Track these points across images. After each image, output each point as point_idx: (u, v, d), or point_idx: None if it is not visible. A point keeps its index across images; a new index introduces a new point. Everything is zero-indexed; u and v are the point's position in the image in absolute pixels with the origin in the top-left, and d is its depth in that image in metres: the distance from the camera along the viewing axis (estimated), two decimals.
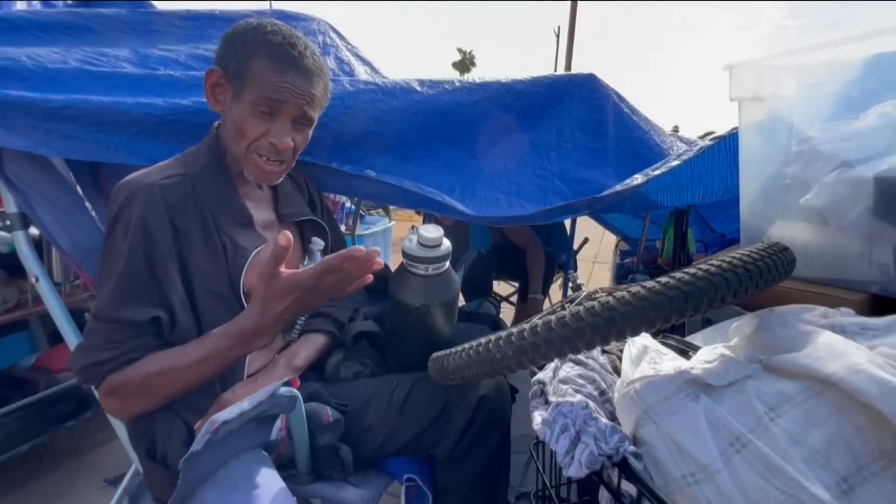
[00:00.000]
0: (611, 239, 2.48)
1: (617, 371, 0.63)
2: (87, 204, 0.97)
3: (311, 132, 0.84)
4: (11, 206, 0.88)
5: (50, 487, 1.42)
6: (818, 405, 0.41)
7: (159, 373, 0.68)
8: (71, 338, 0.92)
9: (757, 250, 0.55)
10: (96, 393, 0.73)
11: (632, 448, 0.45)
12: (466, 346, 0.63)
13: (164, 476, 0.69)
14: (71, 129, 0.85)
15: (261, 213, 0.86)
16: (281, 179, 0.86)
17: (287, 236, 0.64)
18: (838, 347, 0.44)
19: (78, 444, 1.60)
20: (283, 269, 0.67)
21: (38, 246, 1.21)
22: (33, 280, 0.91)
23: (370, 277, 0.72)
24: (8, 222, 0.90)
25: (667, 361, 0.55)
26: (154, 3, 1.34)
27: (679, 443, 0.44)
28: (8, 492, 1.39)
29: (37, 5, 1.39)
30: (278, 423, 0.70)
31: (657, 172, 1.05)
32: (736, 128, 1.05)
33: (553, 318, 0.52)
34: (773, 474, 0.40)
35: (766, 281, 0.52)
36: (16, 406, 1.27)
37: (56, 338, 1.36)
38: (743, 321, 0.59)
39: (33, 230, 0.92)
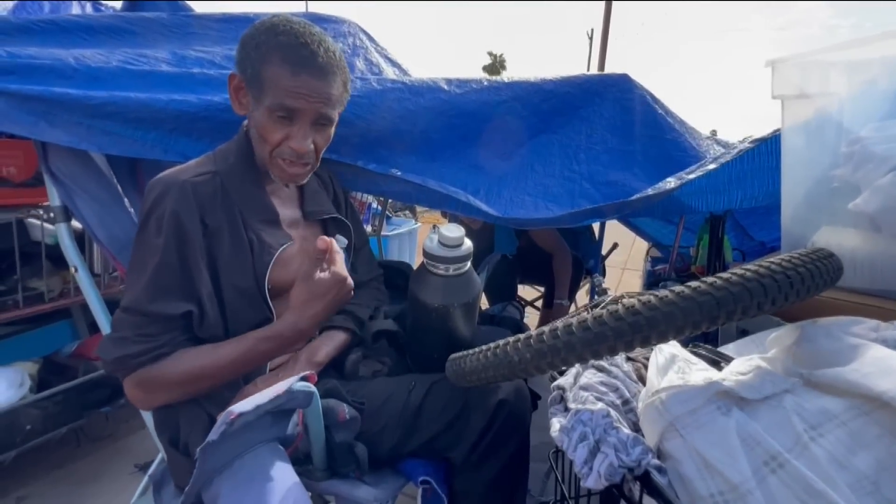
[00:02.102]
0: (642, 245, 2.40)
1: (642, 380, 0.60)
2: (125, 199, 1.01)
3: (332, 130, 0.84)
4: (55, 199, 0.92)
5: (86, 469, 1.49)
6: (866, 425, 0.37)
7: (194, 370, 0.70)
8: (105, 326, 0.95)
9: (799, 255, 0.51)
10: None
11: (655, 461, 0.42)
12: (484, 347, 0.61)
13: (185, 464, 0.71)
14: (110, 126, 0.89)
15: (287, 210, 0.88)
16: (307, 179, 0.87)
17: (325, 241, 0.69)
18: (890, 363, 0.40)
19: (113, 429, 1.67)
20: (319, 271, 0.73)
21: (82, 239, 1.27)
22: (73, 270, 0.96)
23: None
24: (52, 215, 0.95)
25: (696, 372, 0.51)
26: (192, 4, 1.39)
27: (707, 459, 0.41)
28: (47, 472, 1.47)
29: (87, 6, 1.47)
30: (295, 418, 0.71)
31: (692, 176, 1.01)
32: (778, 129, 0.99)
33: (574, 320, 0.50)
34: (814, 499, 0.36)
35: (809, 289, 0.48)
36: (56, 390, 1.34)
37: (96, 327, 1.42)
38: (782, 332, 0.55)
39: (76, 223, 0.97)
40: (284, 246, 0.81)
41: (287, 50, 0.74)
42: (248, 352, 0.73)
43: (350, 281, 0.79)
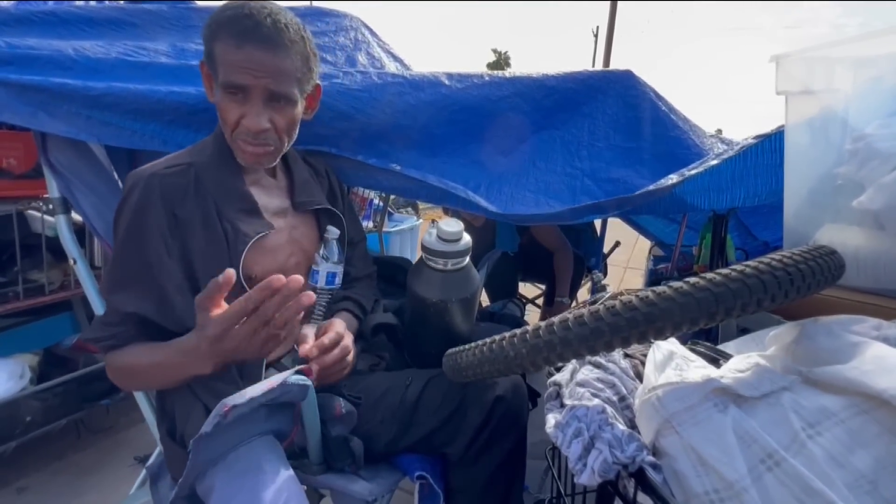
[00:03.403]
0: (644, 244, 2.39)
1: (639, 377, 0.60)
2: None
3: (295, 111, 0.78)
4: (54, 191, 0.92)
5: (86, 461, 1.50)
6: (865, 424, 0.37)
7: (127, 366, 0.73)
8: None
9: (800, 252, 0.50)
10: None
11: (650, 458, 0.41)
12: (480, 342, 0.60)
13: (181, 456, 0.71)
14: (109, 117, 0.89)
15: (272, 200, 0.86)
16: (275, 162, 0.83)
17: (230, 274, 0.57)
18: (891, 361, 0.39)
19: (114, 421, 1.68)
20: (216, 306, 0.61)
21: (82, 231, 1.27)
22: (72, 262, 0.96)
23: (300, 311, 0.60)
24: (51, 206, 0.95)
25: (694, 369, 0.51)
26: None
27: (703, 456, 0.40)
28: (47, 463, 1.48)
29: None
30: (291, 412, 0.70)
31: (694, 172, 1.00)
32: (782, 126, 0.98)
33: (570, 316, 0.50)
34: (810, 497, 0.36)
35: (810, 286, 0.48)
36: (56, 382, 1.34)
37: None
38: (782, 330, 0.55)
39: (76, 216, 0.97)
40: (261, 234, 0.79)
41: (232, 22, 0.71)
42: (165, 358, 0.68)
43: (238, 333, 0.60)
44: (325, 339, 0.75)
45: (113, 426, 1.66)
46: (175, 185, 0.74)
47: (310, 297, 0.60)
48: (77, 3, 1.05)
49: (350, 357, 0.79)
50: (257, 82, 0.72)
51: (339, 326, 0.81)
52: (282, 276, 0.57)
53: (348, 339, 0.80)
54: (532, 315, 2.14)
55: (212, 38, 0.73)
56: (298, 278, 0.58)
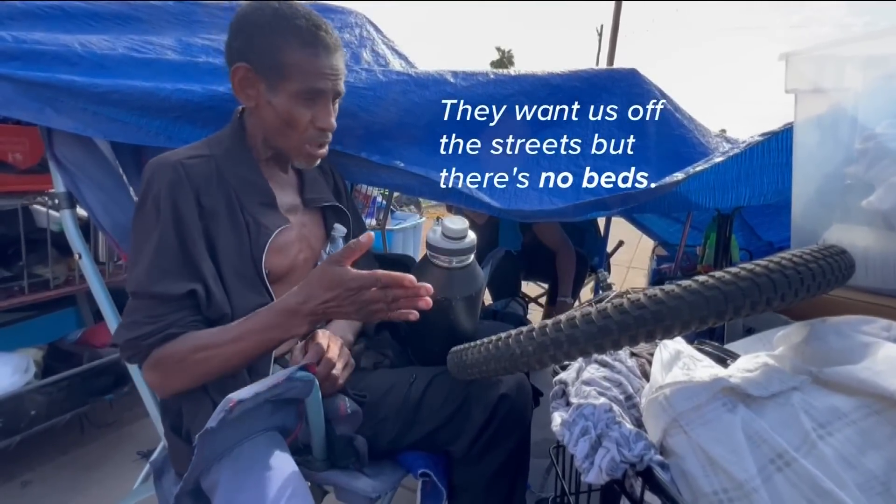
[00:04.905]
0: (647, 243, 2.38)
1: (646, 376, 0.60)
2: (129, 186, 1.01)
3: (338, 104, 0.85)
4: (59, 186, 0.92)
5: (90, 455, 1.51)
6: (877, 425, 0.36)
7: (198, 349, 0.68)
8: (108, 313, 0.96)
9: (810, 251, 0.50)
10: (130, 370, 0.74)
11: (658, 457, 0.41)
12: (486, 340, 0.60)
13: (186, 451, 0.70)
14: (115, 113, 0.89)
15: (285, 196, 0.87)
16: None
17: (370, 236, 0.65)
18: None
19: (118, 416, 1.68)
20: (348, 263, 0.66)
21: (87, 227, 1.28)
22: (77, 257, 0.96)
23: (415, 314, 0.67)
24: (57, 201, 0.95)
25: (702, 368, 0.50)
26: None
27: (712, 456, 0.40)
28: (51, 457, 1.48)
29: None
30: (295, 408, 0.70)
31: (699, 169, 0.99)
32: (789, 124, 0.97)
33: (577, 314, 0.49)
34: (821, 499, 0.35)
35: (820, 285, 0.47)
36: (60, 377, 1.34)
37: (101, 314, 1.44)
38: (791, 330, 0.54)
39: (81, 211, 0.97)
40: (281, 227, 0.80)
41: (304, 33, 0.75)
42: (251, 327, 0.68)
43: (358, 295, 0.66)
44: (308, 359, 0.74)
45: (117, 421, 1.67)
46: (200, 173, 0.74)
47: (428, 302, 0.66)
48: None
49: (337, 369, 0.76)
50: (333, 86, 0.79)
51: (323, 338, 0.78)
52: (413, 278, 0.64)
53: (332, 352, 0.77)
54: (534, 314, 2.14)
55: (279, 47, 0.75)
56: (429, 287, 0.65)
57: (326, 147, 0.84)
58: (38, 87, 0.84)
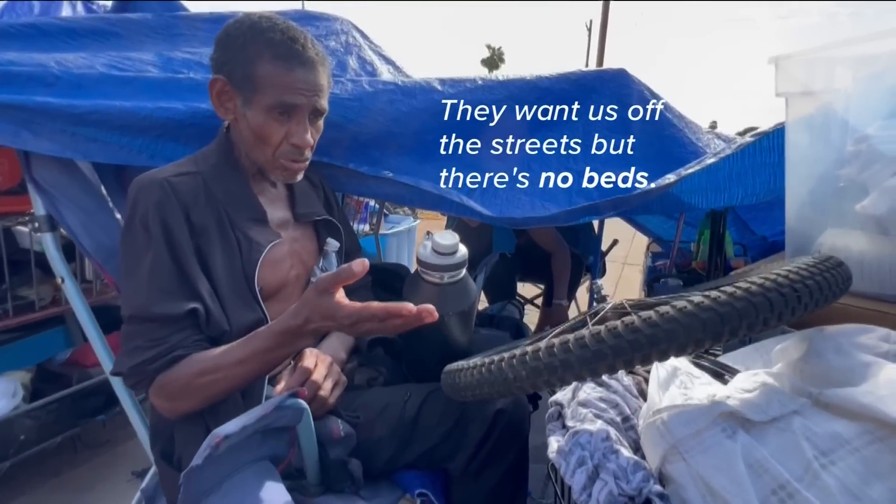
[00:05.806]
0: (642, 240, 2.38)
1: (643, 394, 0.58)
2: (112, 206, 0.99)
3: (322, 121, 0.83)
4: (39, 209, 0.90)
5: (83, 477, 1.48)
6: (881, 453, 0.35)
7: (203, 372, 0.66)
8: (94, 338, 0.93)
9: (806, 266, 0.49)
10: (119, 392, 0.71)
11: (657, 488, 0.40)
12: (478, 362, 0.59)
13: (177, 480, 0.69)
14: (95, 133, 0.86)
15: (276, 211, 0.85)
16: (302, 175, 0.84)
17: (364, 264, 0.60)
18: None
19: (111, 435, 1.65)
20: (338, 291, 0.62)
21: (72, 244, 1.25)
22: (60, 281, 0.93)
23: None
24: (37, 224, 0.93)
25: (699, 387, 0.49)
26: (185, 3, 1.35)
27: (712, 486, 0.39)
28: (44, 480, 1.46)
29: (79, 6, 1.43)
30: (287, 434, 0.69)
31: (691, 171, 0.98)
32: (780, 124, 0.96)
33: (571, 337, 0.48)
34: None
35: (818, 302, 0.46)
36: (50, 399, 1.32)
37: None
38: (788, 343, 0.53)
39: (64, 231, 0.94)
40: (273, 242, 0.79)
41: (278, 45, 0.73)
42: (256, 348, 0.66)
43: (354, 327, 0.63)
44: (294, 381, 0.72)
45: (110, 440, 1.64)
46: (187, 190, 0.73)
47: (434, 316, 0.62)
48: (66, 11, 1.02)
49: (325, 389, 0.74)
50: (308, 101, 0.76)
51: (310, 358, 0.76)
52: (410, 306, 0.59)
53: (319, 373, 0.75)
54: (531, 315, 2.13)
55: (252, 60, 0.73)
56: (431, 309, 0.61)
57: (305, 164, 0.81)
58: (13, 109, 0.82)
